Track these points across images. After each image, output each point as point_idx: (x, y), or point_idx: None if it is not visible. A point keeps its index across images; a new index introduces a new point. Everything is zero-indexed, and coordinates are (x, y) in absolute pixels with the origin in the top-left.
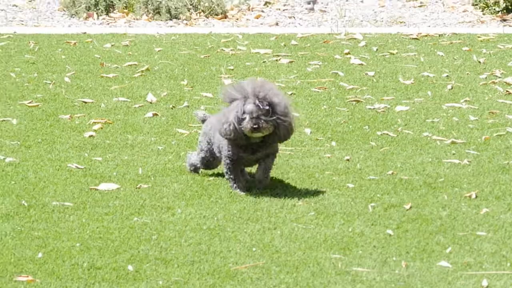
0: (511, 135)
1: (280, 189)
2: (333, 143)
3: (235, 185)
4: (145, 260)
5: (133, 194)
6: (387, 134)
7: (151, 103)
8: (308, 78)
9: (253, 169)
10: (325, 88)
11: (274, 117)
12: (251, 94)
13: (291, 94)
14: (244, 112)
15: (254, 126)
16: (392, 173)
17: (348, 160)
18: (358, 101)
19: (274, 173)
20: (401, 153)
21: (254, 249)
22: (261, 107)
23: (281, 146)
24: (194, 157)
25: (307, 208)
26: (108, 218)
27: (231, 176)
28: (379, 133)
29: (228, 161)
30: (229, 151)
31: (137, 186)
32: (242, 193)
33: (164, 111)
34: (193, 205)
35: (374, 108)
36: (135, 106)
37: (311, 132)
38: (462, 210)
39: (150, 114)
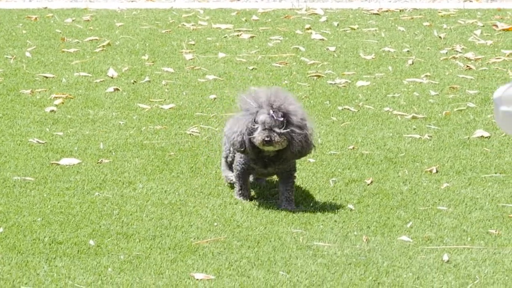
0: (472, 110)
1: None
2: None
3: (240, 191)
4: (106, 235)
5: (94, 169)
6: (348, 109)
7: (112, 78)
8: (269, 53)
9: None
10: (286, 63)
11: (289, 130)
12: (265, 103)
13: (252, 69)
14: (256, 122)
15: (266, 139)
16: (353, 148)
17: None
18: (319, 76)
19: None
20: (362, 128)
21: (215, 223)
22: (275, 117)
23: None
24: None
25: (268, 183)
26: (70, 193)
27: (239, 183)
28: (340, 108)
29: (238, 168)
30: (240, 158)
31: (98, 161)
32: (244, 202)
33: (125, 86)
34: (154, 180)
35: (335, 83)
36: (96, 81)
37: None
38: (423, 184)
39: (111, 89)
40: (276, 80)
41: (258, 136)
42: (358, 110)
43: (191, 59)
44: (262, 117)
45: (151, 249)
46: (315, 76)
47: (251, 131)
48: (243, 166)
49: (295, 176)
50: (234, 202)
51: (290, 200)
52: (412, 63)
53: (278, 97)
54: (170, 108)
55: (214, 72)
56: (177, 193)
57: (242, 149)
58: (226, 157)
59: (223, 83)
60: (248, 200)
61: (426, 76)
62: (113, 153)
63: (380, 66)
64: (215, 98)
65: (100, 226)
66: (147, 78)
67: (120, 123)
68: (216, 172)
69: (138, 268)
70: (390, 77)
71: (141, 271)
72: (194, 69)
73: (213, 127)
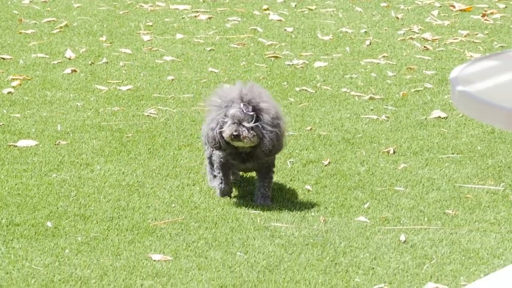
0: (429, 90)
1: (200, 144)
2: None
3: (220, 185)
4: (64, 216)
5: (52, 151)
6: (305, 90)
7: (69, 59)
8: (227, 34)
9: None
10: (244, 44)
11: (258, 124)
12: (237, 97)
13: (210, 50)
14: (226, 116)
15: (234, 133)
16: (311, 129)
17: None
18: (276, 57)
19: (193, 129)
20: (320, 109)
21: (173, 205)
22: (245, 111)
23: (200, 102)
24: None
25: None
26: (27, 174)
27: (220, 175)
28: (297, 89)
29: (217, 161)
30: (219, 153)
31: (56, 143)
32: (219, 196)
33: (83, 67)
34: (112, 162)
35: (292, 64)
36: (53, 62)
37: None
38: (380, 165)
39: (68, 70)
40: (234, 61)
41: (227, 130)
42: (316, 91)
43: (149, 40)
44: (232, 111)
45: (109, 230)
46: (273, 57)
47: (222, 126)
48: (221, 159)
49: (273, 172)
50: (191, 183)
51: (266, 196)
52: (370, 44)
53: (251, 92)
54: (127, 90)
55: (172, 53)
56: (134, 175)
57: (217, 145)
58: (210, 157)
59: (181, 64)
60: (228, 196)
61: (384, 57)
62: (71, 135)
63: (337, 47)
64: (172, 80)
65: (57, 208)
66: (104, 60)
67: (77, 105)
68: (174, 153)
69: (96, 249)
70: (348, 58)
71: (98, 252)
72: (152, 50)
73: (170, 109)
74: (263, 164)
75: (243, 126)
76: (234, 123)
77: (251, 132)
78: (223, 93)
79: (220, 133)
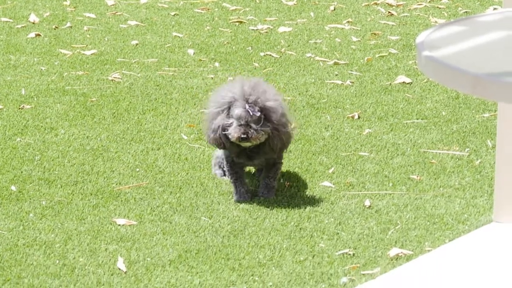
0: (393, 56)
1: (164, 109)
2: (217, 64)
3: (235, 190)
4: (28, 181)
5: (16, 115)
6: (270, 55)
7: (33, 23)
8: None
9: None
10: (208, 9)
11: (268, 127)
12: (240, 97)
13: (174, 15)
14: (230, 117)
15: (243, 136)
16: None
17: (231, 80)
18: (241, 22)
19: (157, 94)
20: (284, 74)
21: (137, 169)
22: (251, 113)
23: (164, 67)
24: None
25: (190, 129)
26: None
27: (231, 179)
28: (262, 54)
29: (226, 165)
30: (224, 153)
31: (20, 107)
32: (239, 200)
33: (46, 31)
34: (76, 126)
35: (257, 29)
36: (17, 26)
37: (194, 53)
38: (345, 130)
39: (32, 34)
40: (198, 26)
41: (234, 133)
42: (280, 56)
43: (113, 5)
44: (237, 111)
45: (73, 194)
46: (237, 22)
47: (225, 127)
48: (227, 160)
49: (281, 163)
50: (156, 148)
51: (270, 187)
52: (334, 9)
53: (255, 91)
54: (92, 54)
55: (136, 17)
56: (99, 139)
57: (220, 146)
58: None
59: (145, 28)
60: (247, 197)
61: (348, 22)
62: (35, 99)
63: (302, 12)
64: (137, 44)
65: (21, 172)
66: (68, 24)
67: (41, 69)
68: (138, 118)
69: (60, 213)
70: (312, 23)
71: (63, 216)
72: (116, 15)
73: (135, 73)
74: (270, 159)
75: (251, 126)
76: (240, 124)
77: (260, 131)
78: (224, 92)
79: (225, 134)
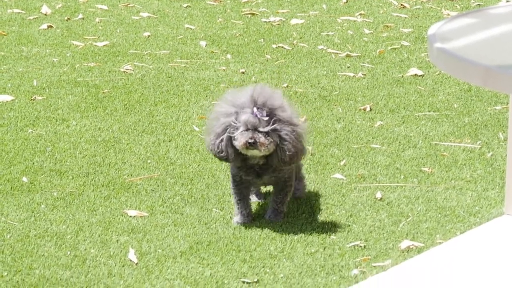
0: (405, 48)
1: (176, 100)
2: (228, 56)
3: (237, 211)
4: (39, 172)
5: (28, 106)
6: (282, 47)
7: (46, 15)
8: None
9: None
10: (221, 1)
11: (277, 131)
12: (248, 101)
13: (186, 7)
14: (235, 123)
15: (250, 141)
16: (287, 86)
17: (243, 73)
18: (253, 14)
19: (169, 85)
20: (296, 66)
21: (149, 161)
22: (259, 116)
23: (176, 59)
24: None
25: (202, 121)
26: (3, 129)
27: (235, 199)
28: (274, 46)
29: (231, 180)
30: (231, 169)
31: (32, 98)
32: (239, 223)
33: (59, 23)
34: (88, 117)
35: (269, 21)
36: (29, 18)
37: (206, 45)
38: (356, 123)
39: (45, 26)
40: (210, 18)
41: (241, 138)
42: (292, 48)
43: None
44: (244, 116)
45: (85, 186)
46: (249, 14)
47: (231, 132)
48: (234, 178)
49: (291, 185)
50: (167, 139)
51: (279, 212)
52: (347, 1)
53: (263, 95)
54: (104, 46)
55: (148, 9)
56: (110, 130)
57: (224, 156)
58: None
59: (157, 20)
60: (248, 220)
61: (361, 14)
62: (47, 90)
63: (314, 4)
64: (149, 36)
65: (33, 163)
66: (80, 15)
67: (53, 60)
68: (150, 109)
69: (71, 205)
70: (325, 15)
71: (74, 208)
72: (128, 7)
73: (147, 65)
74: (280, 178)
75: (259, 131)
76: (247, 129)
77: (268, 138)
78: (232, 98)
79: (230, 141)
